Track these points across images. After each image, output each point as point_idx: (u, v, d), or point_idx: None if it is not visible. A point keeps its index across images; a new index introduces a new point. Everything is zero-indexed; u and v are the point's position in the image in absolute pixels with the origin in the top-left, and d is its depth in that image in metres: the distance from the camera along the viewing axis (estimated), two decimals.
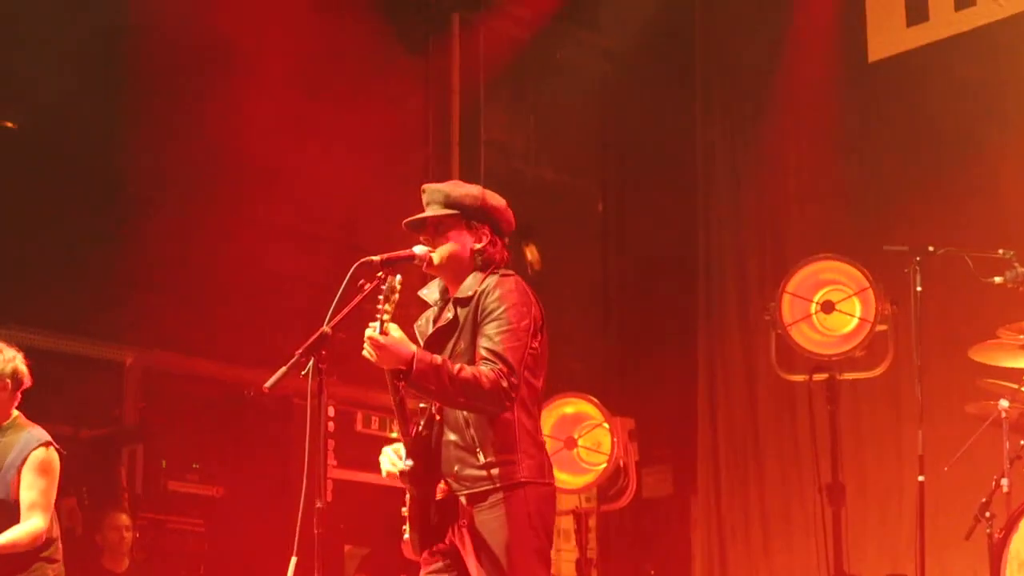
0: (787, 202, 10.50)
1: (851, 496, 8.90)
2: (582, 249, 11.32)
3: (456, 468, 5.52)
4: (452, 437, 5.54)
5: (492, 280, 5.61)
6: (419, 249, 5.63)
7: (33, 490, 6.83)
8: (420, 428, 5.59)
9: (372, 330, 5.33)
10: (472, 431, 5.50)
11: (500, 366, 5.41)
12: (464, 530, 5.49)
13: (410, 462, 5.51)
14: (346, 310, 5.45)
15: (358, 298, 5.49)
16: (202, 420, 10.70)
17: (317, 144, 10.74)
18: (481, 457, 5.48)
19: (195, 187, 10.54)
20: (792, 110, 10.48)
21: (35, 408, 7.14)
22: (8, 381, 6.98)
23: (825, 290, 8.91)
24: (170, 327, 10.74)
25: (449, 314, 5.64)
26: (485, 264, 5.69)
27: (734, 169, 10.81)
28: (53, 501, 6.91)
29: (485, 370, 5.40)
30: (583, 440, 9.27)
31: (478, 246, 5.71)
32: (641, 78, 11.02)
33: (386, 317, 5.31)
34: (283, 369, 5.41)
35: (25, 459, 6.86)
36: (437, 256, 5.67)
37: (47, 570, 6.90)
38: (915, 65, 10.09)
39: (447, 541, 5.55)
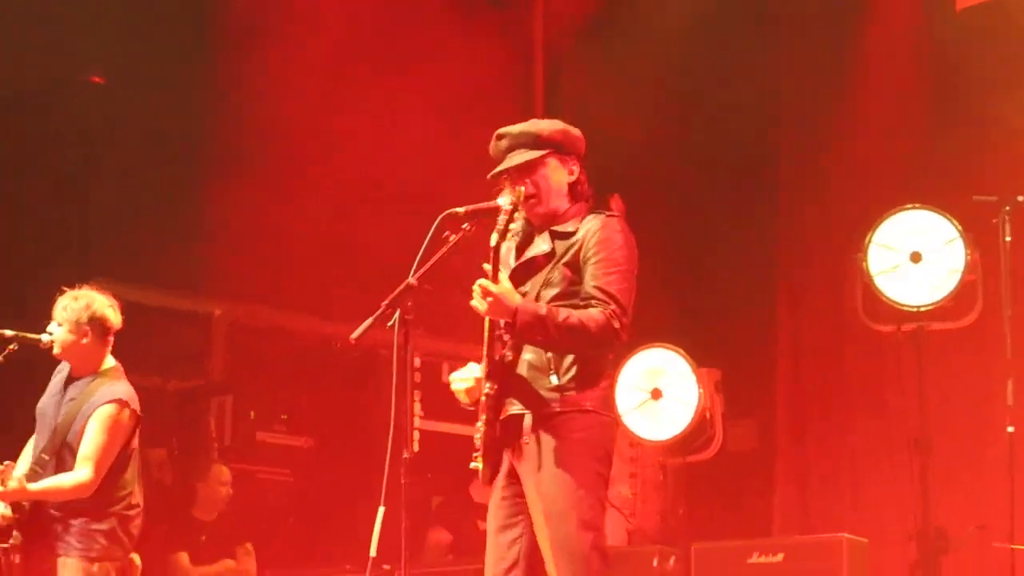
0: (873, 151, 10.39)
1: (939, 448, 8.82)
2: (665, 203, 11.27)
3: (528, 388, 5.53)
4: (528, 357, 5.55)
5: (598, 220, 5.61)
6: (503, 200, 5.60)
7: (90, 443, 6.86)
8: (505, 354, 5.59)
9: (485, 280, 5.38)
10: (549, 353, 5.51)
11: (613, 307, 5.43)
12: (525, 450, 5.50)
13: (493, 386, 5.52)
14: (431, 262, 5.47)
15: (443, 249, 5.50)
16: (290, 372, 10.80)
17: (400, 100, 10.74)
18: (554, 379, 5.48)
19: (284, 143, 10.58)
20: (878, 58, 10.37)
21: (125, 360, 7.20)
22: (88, 329, 7.01)
23: (913, 239, 8.82)
24: (258, 280, 10.82)
25: (545, 245, 5.62)
26: (578, 196, 5.70)
27: (817, 121, 10.71)
28: (112, 458, 6.89)
29: (594, 312, 5.42)
30: (669, 391, 9.25)
31: (571, 179, 5.72)
32: (724, 33, 10.91)
33: (513, 227, 5.39)
34: (369, 320, 5.44)
35: (93, 411, 6.91)
36: (540, 203, 5.65)
37: (117, 523, 6.96)
38: (1003, 11, 9.94)
39: (510, 469, 5.57)
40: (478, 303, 5.41)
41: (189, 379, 10.76)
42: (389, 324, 5.45)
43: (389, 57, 10.83)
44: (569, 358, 5.50)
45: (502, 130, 5.77)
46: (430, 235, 5.48)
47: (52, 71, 9.94)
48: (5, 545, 6.87)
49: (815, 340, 10.42)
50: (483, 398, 5.53)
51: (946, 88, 10.12)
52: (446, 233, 5.51)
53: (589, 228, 5.58)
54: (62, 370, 7.12)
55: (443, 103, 10.69)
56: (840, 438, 10.22)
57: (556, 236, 5.63)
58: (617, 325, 5.42)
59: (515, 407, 5.54)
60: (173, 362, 10.56)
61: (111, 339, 7.08)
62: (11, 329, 7.00)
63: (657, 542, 9.11)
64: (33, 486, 6.80)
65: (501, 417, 5.54)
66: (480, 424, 5.55)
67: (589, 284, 5.50)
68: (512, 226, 5.60)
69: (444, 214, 5.54)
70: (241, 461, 10.48)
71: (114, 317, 7.07)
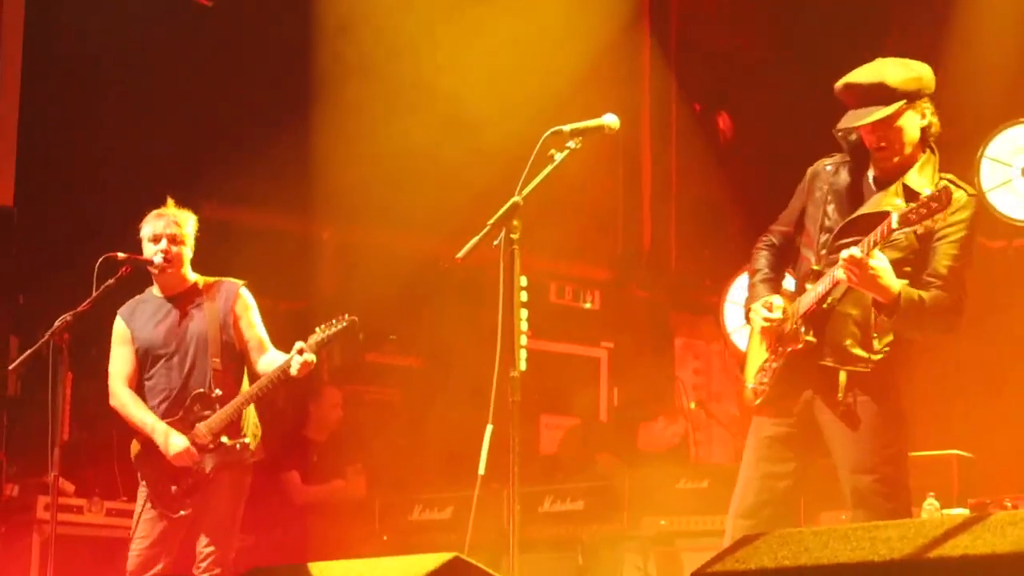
0: (983, 65, 10.24)
1: None
2: (777, 117, 11.17)
3: (847, 343, 5.52)
4: (853, 312, 5.54)
5: (961, 195, 5.45)
6: (608, 118, 5.57)
7: (259, 327, 7.05)
8: (832, 301, 5.56)
9: (872, 255, 5.30)
10: (873, 316, 5.48)
11: (960, 295, 5.42)
12: (836, 407, 5.52)
13: (813, 339, 5.54)
14: (537, 180, 5.46)
15: (549, 167, 5.49)
16: (397, 292, 10.85)
17: (505, 16, 10.70)
18: (876, 343, 5.49)
19: (388, 61, 10.59)
20: None
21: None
22: (193, 244, 7.13)
23: None
24: (365, 201, 10.87)
25: (899, 200, 5.48)
26: (927, 138, 5.61)
27: (927, 35, 10.55)
28: None
29: (945, 297, 5.39)
30: None
31: (923, 123, 5.62)
32: None
33: (876, 238, 5.26)
34: (475, 239, 5.44)
35: (234, 302, 7.04)
36: (895, 154, 5.56)
37: (256, 421, 7.08)
38: None
39: (799, 409, 5.60)
40: (848, 274, 5.33)
41: (298, 300, 10.84)
42: (495, 242, 5.45)
43: None
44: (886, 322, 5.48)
45: (851, 80, 5.63)
46: (535, 153, 5.47)
47: None
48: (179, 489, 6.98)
49: None
50: (803, 344, 5.54)
51: None
52: (551, 151, 5.49)
53: (955, 206, 5.36)
54: (143, 301, 7.17)
55: (544, 19, 10.65)
56: (949, 354, 10.13)
57: (909, 195, 5.47)
58: (959, 317, 5.44)
59: (828, 360, 5.55)
60: (282, 284, 10.63)
61: None
62: (122, 252, 7.06)
63: None
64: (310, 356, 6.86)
65: (819, 362, 5.55)
66: (778, 355, 5.62)
67: (942, 263, 5.44)
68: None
69: (549, 132, 5.52)
70: (351, 382, 10.57)
71: None
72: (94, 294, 6.94)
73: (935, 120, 5.64)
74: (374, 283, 10.89)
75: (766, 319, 5.67)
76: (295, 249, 10.95)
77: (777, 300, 5.70)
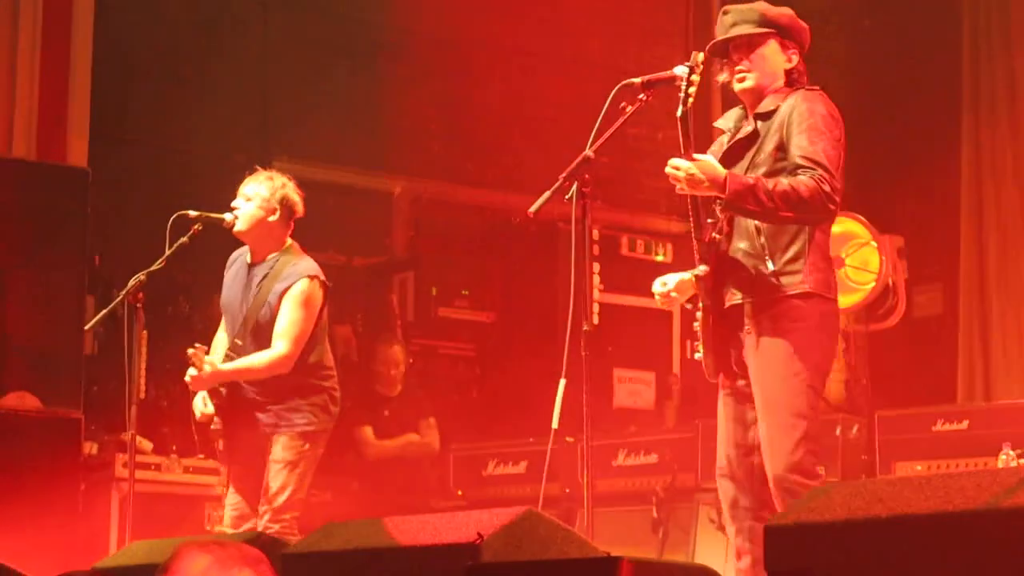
0: None
1: None
2: (844, 67, 11.08)
3: (744, 275, 5.50)
4: (742, 245, 5.52)
5: (799, 93, 5.53)
6: (680, 70, 5.54)
7: (285, 319, 6.93)
8: (715, 235, 5.56)
9: (679, 159, 5.32)
10: (763, 239, 5.47)
11: (819, 171, 5.33)
12: (747, 336, 5.48)
13: (705, 268, 5.51)
14: (608, 133, 5.45)
15: (620, 120, 5.47)
16: (470, 247, 10.86)
17: None
18: (770, 264, 5.45)
19: (459, 18, 10.58)
20: None
21: (309, 238, 7.28)
22: (277, 207, 7.04)
23: None
24: (437, 156, 10.89)
25: (748, 127, 5.57)
26: (792, 84, 5.61)
27: None
28: (308, 333, 6.96)
29: (803, 178, 5.33)
30: (850, 260, 9.16)
31: (789, 66, 5.63)
32: None
33: (691, 92, 5.30)
34: (547, 194, 5.44)
35: (287, 288, 6.96)
36: (752, 78, 5.59)
37: (328, 397, 7.07)
38: None
39: (736, 360, 5.55)
40: (681, 184, 5.34)
41: (372, 256, 10.88)
42: (567, 197, 5.45)
43: None
44: (783, 241, 5.45)
45: (728, 7, 5.70)
46: (606, 106, 5.45)
47: None
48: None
49: (998, 203, 10.22)
50: (695, 279, 5.53)
51: None
52: (623, 104, 5.47)
53: (791, 101, 5.50)
54: (236, 259, 7.22)
55: None
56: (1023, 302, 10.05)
57: (759, 117, 5.56)
58: (828, 188, 5.32)
59: (735, 297, 5.53)
60: (356, 239, 10.68)
61: (293, 225, 7.15)
62: (195, 210, 7.10)
63: (840, 411, 9.06)
64: (227, 366, 6.93)
65: (725, 307, 5.54)
66: (699, 314, 5.58)
67: (794, 155, 5.41)
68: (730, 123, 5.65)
69: (620, 85, 5.51)
70: (424, 337, 10.60)
71: (300, 205, 7.14)
72: (167, 252, 7.00)
73: (803, 71, 5.64)
74: (446, 238, 10.91)
75: (658, 294, 5.66)
76: (367, 205, 10.98)
77: (668, 276, 5.67)
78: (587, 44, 10.90)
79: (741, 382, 5.57)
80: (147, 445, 8.63)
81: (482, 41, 10.66)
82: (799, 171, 5.36)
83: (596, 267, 10.00)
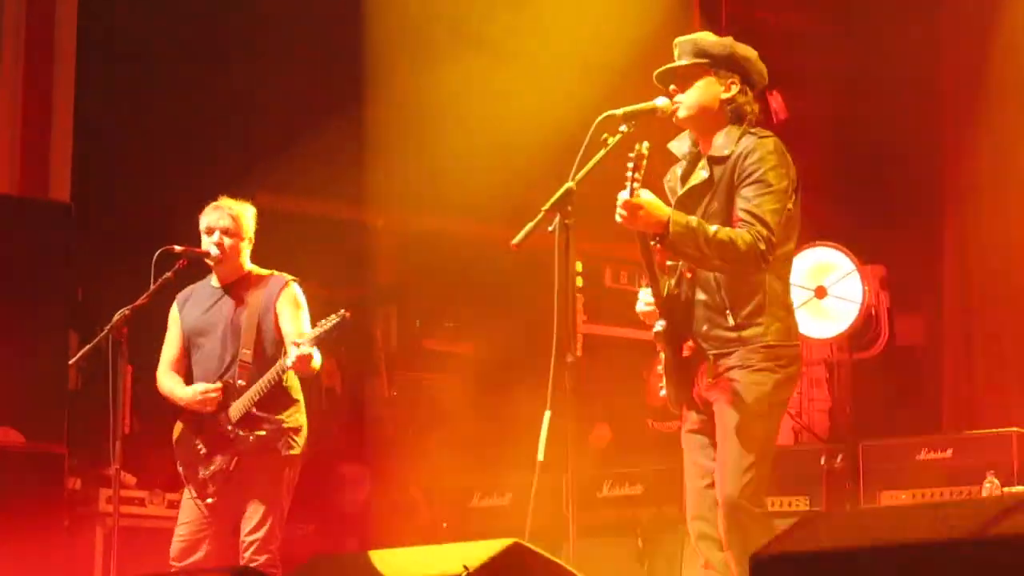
0: None
1: None
2: (827, 97, 11.12)
3: (705, 328, 5.54)
4: (702, 297, 5.55)
5: (750, 141, 5.55)
6: (660, 101, 5.58)
7: (296, 323, 6.98)
8: (672, 287, 5.61)
9: (624, 192, 5.32)
10: (723, 293, 5.50)
11: (758, 227, 5.37)
12: (711, 385, 5.52)
13: (663, 323, 5.54)
14: (590, 164, 5.45)
15: (601, 152, 5.49)
16: (453, 279, 10.87)
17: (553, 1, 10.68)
18: (730, 319, 5.49)
19: (440, 48, 10.60)
20: None
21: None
22: (251, 236, 7.17)
23: None
24: (419, 187, 10.89)
25: (704, 172, 5.59)
26: (735, 116, 5.62)
27: (984, 6, 10.46)
28: None
29: (742, 232, 5.37)
30: (833, 289, 9.18)
31: (726, 95, 5.64)
32: None
33: (636, 183, 5.30)
34: (530, 225, 5.44)
35: (278, 296, 7.03)
36: (684, 107, 5.63)
37: (299, 416, 7.07)
38: None
39: (698, 396, 5.59)
40: (620, 216, 5.38)
41: (354, 288, 10.88)
42: (550, 228, 5.45)
43: None
44: (743, 294, 5.49)
45: (677, 39, 5.75)
46: (588, 137, 5.47)
47: None
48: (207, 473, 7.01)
49: (981, 232, 10.24)
50: (654, 335, 5.56)
51: None
52: (604, 135, 5.49)
53: (742, 150, 5.52)
54: (193, 291, 7.25)
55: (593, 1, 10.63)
56: (1009, 330, 10.06)
57: (713, 162, 5.59)
58: (763, 247, 5.36)
59: (696, 347, 5.56)
60: (338, 272, 10.67)
61: None
62: (179, 245, 7.11)
63: (824, 440, 9.08)
64: (307, 350, 6.76)
65: (684, 355, 5.57)
66: (662, 357, 5.61)
67: (739, 207, 5.45)
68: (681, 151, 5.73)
69: (602, 116, 5.52)
70: (408, 368, 10.60)
71: None
72: (152, 287, 7.00)
73: (746, 100, 5.66)
74: (429, 270, 10.91)
75: (646, 303, 5.67)
76: (350, 237, 10.98)
77: (644, 292, 5.70)
78: (565, 73, 10.91)
79: (704, 416, 5.60)
80: (131, 480, 8.61)
81: (457, 72, 10.66)
82: (739, 224, 5.41)
83: (580, 298, 10.00)
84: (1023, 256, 10.02)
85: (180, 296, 7.27)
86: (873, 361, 9.48)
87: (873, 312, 9.23)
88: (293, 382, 7.04)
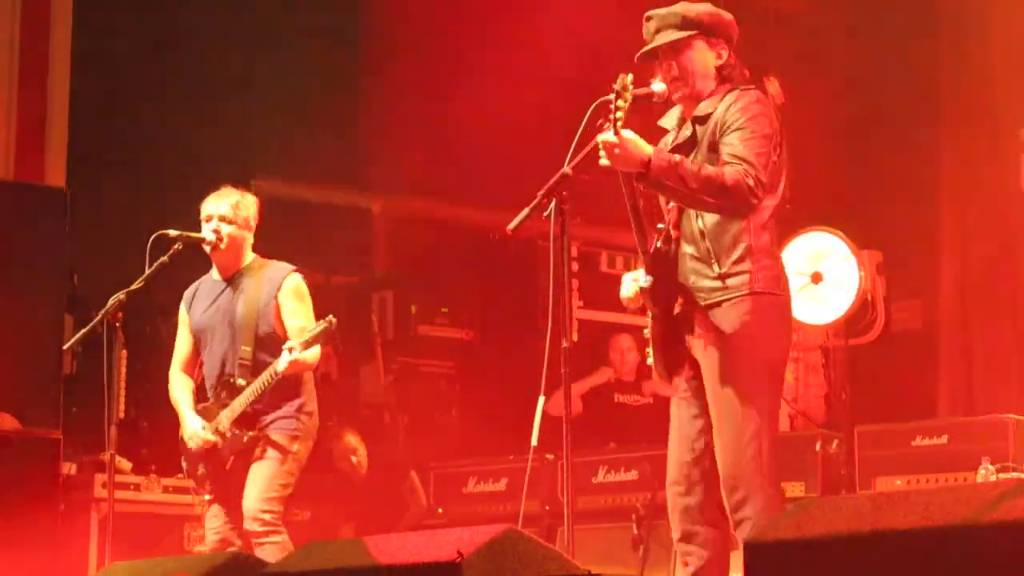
0: None
1: None
2: (823, 81, 11.10)
3: (692, 279, 5.46)
4: (688, 250, 5.48)
5: (732, 95, 5.48)
6: (657, 86, 5.55)
7: (298, 315, 6.92)
8: (659, 244, 5.55)
9: (606, 133, 5.25)
10: (707, 242, 5.43)
11: (745, 166, 5.28)
12: (697, 340, 5.46)
13: (649, 278, 5.46)
14: (586, 150, 5.44)
15: (597, 138, 5.47)
16: (449, 264, 10.87)
17: None
18: (716, 268, 5.41)
19: (437, 35, 10.59)
20: None
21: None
22: (253, 225, 7.09)
23: None
24: (415, 173, 10.88)
25: (687, 131, 5.54)
26: (727, 80, 5.57)
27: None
28: None
29: (728, 168, 5.29)
30: (830, 274, 9.17)
31: (719, 63, 5.58)
32: None
33: (619, 115, 5.22)
34: (525, 211, 5.43)
35: (278, 289, 6.95)
36: (685, 85, 5.55)
37: (309, 401, 7.03)
38: None
39: (689, 362, 5.52)
40: (604, 157, 5.27)
41: (351, 275, 10.88)
42: (545, 214, 5.44)
43: None
44: (726, 242, 5.41)
45: (650, 12, 5.65)
46: (584, 123, 5.45)
47: None
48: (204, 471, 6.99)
49: (980, 218, 10.23)
50: (640, 291, 5.51)
51: None
52: (600, 121, 5.47)
53: (724, 104, 5.46)
54: (199, 287, 7.20)
55: None
56: (1006, 317, 10.06)
57: (696, 121, 5.53)
58: (751, 181, 5.25)
59: (683, 302, 5.49)
60: (335, 258, 10.67)
61: None
62: (175, 229, 7.09)
63: (820, 426, 9.07)
64: (299, 354, 6.71)
65: (674, 313, 5.52)
66: (648, 319, 5.56)
67: (724, 152, 5.37)
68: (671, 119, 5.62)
69: (597, 102, 5.49)
70: (403, 355, 10.60)
71: None
72: (147, 272, 6.98)
73: (734, 64, 5.59)
74: (425, 256, 10.91)
75: (627, 296, 5.60)
76: (347, 223, 10.97)
77: (626, 276, 5.63)
78: (562, 60, 10.90)
79: (695, 382, 5.52)
80: (126, 465, 8.61)
81: (457, 58, 10.65)
82: (726, 166, 5.33)
83: (575, 284, 10.00)
84: (1019, 242, 10.02)
85: (187, 293, 7.22)
86: (869, 347, 9.46)
87: (869, 297, 9.20)
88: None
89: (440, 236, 11.02)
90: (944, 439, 7.83)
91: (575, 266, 9.95)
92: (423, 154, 10.86)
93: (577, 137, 5.46)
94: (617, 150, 5.24)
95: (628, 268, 10.36)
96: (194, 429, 6.94)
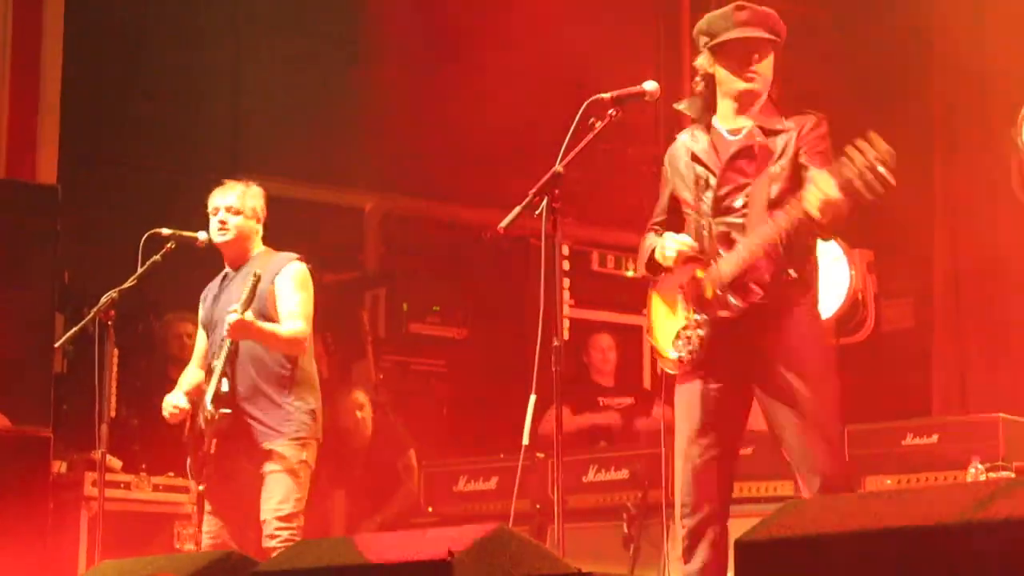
0: None
1: None
2: (811, 73, 11.11)
3: (767, 277, 5.54)
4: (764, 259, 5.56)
5: (813, 116, 5.64)
6: (649, 85, 5.56)
7: (292, 300, 6.86)
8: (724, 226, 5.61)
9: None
10: (782, 248, 5.51)
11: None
12: (765, 334, 5.52)
13: (740, 303, 5.52)
14: (578, 148, 5.45)
15: (589, 136, 5.48)
16: (441, 263, 10.87)
17: None
18: (792, 273, 5.54)
19: (430, 33, 10.59)
20: None
21: None
22: (262, 215, 7.06)
23: None
24: (408, 172, 10.88)
25: (760, 138, 5.57)
26: (769, 97, 5.67)
27: None
28: (311, 315, 6.92)
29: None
30: (820, 273, 9.17)
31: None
32: None
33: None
34: (517, 209, 5.44)
35: (277, 273, 6.91)
36: (761, 83, 5.62)
37: (320, 402, 7.02)
38: None
39: (724, 363, 5.56)
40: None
41: (343, 272, 10.87)
42: (537, 212, 5.45)
43: None
44: (801, 251, 5.59)
45: (743, 2, 5.68)
46: (576, 122, 5.46)
47: None
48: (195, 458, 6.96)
49: (971, 218, 10.25)
50: (722, 300, 5.54)
51: None
52: (592, 119, 5.47)
53: (805, 123, 5.60)
54: (219, 277, 7.17)
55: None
56: (997, 316, 10.07)
57: (768, 133, 5.58)
58: None
59: (752, 295, 5.54)
60: (327, 255, 10.66)
61: None
62: (167, 228, 7.09)
63: None
64: (260, 324, 6.74)
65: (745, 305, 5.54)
66: (701, 323, 5.57)
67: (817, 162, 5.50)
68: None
69: (590, 100, 5.51)
70: (395, 353, 10.60)
71: None
72: (139, 271, 6.98)
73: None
74: (418, 254, 10.90)
75: (682, 244, 5.61)
76: (339, 221, 10.97)
77: (683, 236, 5.65)
78: (554, 59, 10.91)
79: (721, 387, 5.56)
80: (117, 463, 8.59)
81: (453, 57, 10.65)
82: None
83: (567, 282, 10.00)
84: (1012, 242, 10.03)
85: (204, 292, 7.21)
86: (860, 346, 9.47)
87: (860, 297, 9.21)
88: (304, 364, 6.97)
89: (432, 234, 11.02)
90: (934, 438, 7.83)
91: (566, 265, 9.95)
92: (415, 152, 10.86)
93: (569, 135, 5.46)
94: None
95: (620, 268, 10.40)
96: (169, 400, 6.91)
